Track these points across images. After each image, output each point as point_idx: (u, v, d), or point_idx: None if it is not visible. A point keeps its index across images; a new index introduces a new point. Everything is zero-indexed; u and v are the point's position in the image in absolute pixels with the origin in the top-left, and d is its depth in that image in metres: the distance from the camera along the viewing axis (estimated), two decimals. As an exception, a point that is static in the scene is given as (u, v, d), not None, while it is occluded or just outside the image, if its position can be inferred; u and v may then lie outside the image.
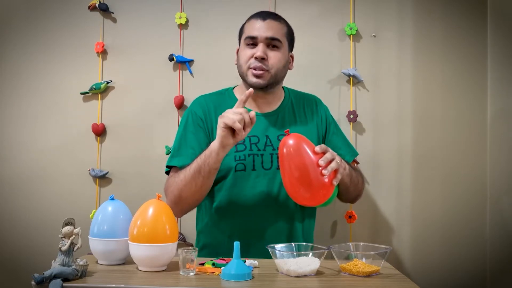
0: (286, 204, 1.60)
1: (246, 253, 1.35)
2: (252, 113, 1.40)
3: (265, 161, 1.61)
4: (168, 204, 1.35)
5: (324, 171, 1.39)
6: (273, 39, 1.61)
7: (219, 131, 1.41)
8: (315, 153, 1.41)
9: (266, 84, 1.62)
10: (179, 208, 1.55)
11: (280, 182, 1.55)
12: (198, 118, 1.65)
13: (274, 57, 1.61)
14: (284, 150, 1.42)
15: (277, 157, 1.58)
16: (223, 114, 1.42)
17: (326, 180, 1.40)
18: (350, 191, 1.63)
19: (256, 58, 1.59)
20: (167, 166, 1.63)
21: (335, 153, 1.45)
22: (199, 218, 1.72)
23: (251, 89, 1.45)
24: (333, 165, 1.40)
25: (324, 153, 1.41)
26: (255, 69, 1.59)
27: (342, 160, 1.52)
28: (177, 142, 1.65)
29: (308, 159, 1.40)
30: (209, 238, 1.66)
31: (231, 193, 1.60)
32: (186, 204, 1.56)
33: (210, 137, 1.62)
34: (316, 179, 1.40)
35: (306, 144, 1.43)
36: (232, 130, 1.40)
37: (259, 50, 1.59)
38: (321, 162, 1.39)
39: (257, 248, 1.49)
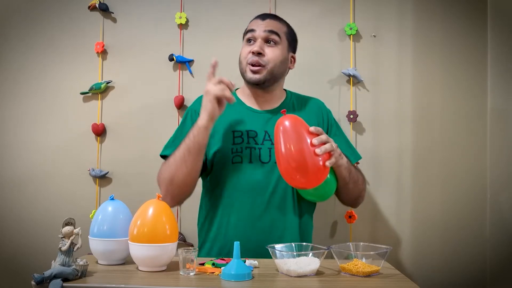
0: (283, 198, 1.60)
1: (242, 247, 1.33)
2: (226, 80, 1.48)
3: (262, 154, 1.61)
4: (161, 194, 1.41)
5: (317, 150, 1.38)
6: (271, 32, 1.63)
7: (209, 105, 1.49)
8: (310, 133, 1.41)
9: (263, 80, 1.62)
10: (170, 194, 1.56)
11: (278, 175, 1.55)
12: (197, 115, 1.65)
13: (271, 52, 1.63)
14: (280, 129, 1.42)
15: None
16: (207, 88, 1.50)
17: (321, 162, 1.39)
18: (349, 187, 1.62)
19: (253, 53, 1.61)
20: (161, 156, 1.66)
21: (331, 139, 1.45)
22: (199, 215, 1.72)
23: (215, 60, 1.52)
24: (327, 146, 1.40)
25: (318, 134, 1.42)
26: (252, 64, 1.61)
27: (339, 149, 1.51)
28: (173, 135, 1.69)
29: (303, 139, 1.39)
30: (208, 233, 1.65)
31: (228, 186, 1.60)
32: (177, 189, 1.56)
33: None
34: (310, 160, 1.38)
35: (302, 125, 1.42)
36: (217, 100, 1.49)
37: (256, 45, 1.62)
38: (315, 141, 1.39)
39: (253, 241, 1.50)
